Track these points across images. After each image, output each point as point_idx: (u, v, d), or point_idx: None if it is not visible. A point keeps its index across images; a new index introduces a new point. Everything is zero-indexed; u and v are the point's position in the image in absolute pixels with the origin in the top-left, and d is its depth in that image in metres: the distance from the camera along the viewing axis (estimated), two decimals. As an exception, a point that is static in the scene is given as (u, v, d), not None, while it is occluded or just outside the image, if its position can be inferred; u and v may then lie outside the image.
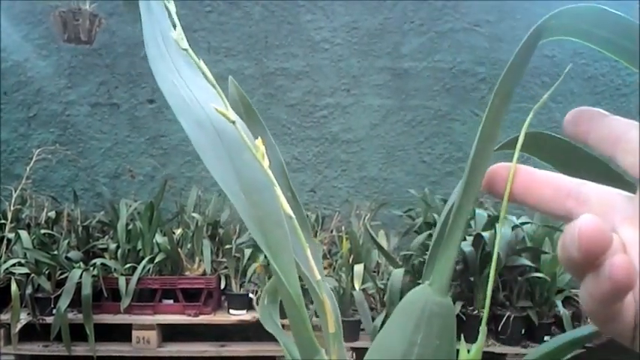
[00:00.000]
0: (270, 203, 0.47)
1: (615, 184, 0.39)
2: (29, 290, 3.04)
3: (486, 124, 0.45)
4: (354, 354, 2.98)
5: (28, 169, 3.48)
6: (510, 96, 0.45)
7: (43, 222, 3.43)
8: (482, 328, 0.42)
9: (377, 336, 0.45)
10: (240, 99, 0.53)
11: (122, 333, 3.18)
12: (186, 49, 0.47)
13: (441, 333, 0.43)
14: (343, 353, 0.48)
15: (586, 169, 0.49)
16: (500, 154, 0.52)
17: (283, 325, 0.60)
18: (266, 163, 0.44)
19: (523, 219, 3.10)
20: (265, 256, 2.89)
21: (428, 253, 0.50)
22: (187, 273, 3.26)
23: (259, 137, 0.45)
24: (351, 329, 2.99)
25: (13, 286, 2.97)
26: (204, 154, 0.44)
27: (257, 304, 3.25)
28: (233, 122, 0.45)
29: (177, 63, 0.51)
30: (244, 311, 3.23)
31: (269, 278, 3.21)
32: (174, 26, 0.47)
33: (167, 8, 0.49)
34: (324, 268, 3.19)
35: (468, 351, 0.43)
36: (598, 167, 0.48)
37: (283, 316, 0.61)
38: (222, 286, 3.28)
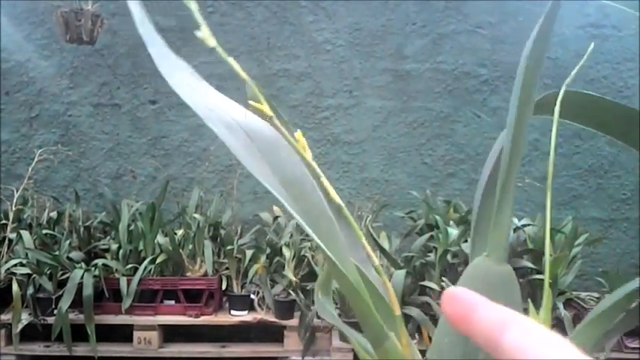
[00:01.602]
0: (313, 194, 0.47)
1: None
2: (30, 290, 3.04)
3: (523, 91, 0.46)
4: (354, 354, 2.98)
5: (29, 169, 3.49)
6: (542, 59, 0.48)
7: (44, 222, 3.43)
8: (546, 289, 0.42)
9: (441, 318, 0.46)
10: (259, 100, 0.53)
11: (123, 333, 3.19)
12: (214, 47, 0.48)
13: (506, 301, 0.40)
14: (407, 335, 0.47)
15: (624, 125, 0.49)
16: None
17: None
18: (309, 154, 0.44)
19: (524, 221, 3.10)
20: (267, 256, 2.90)
21: (471, 226, 0.49)
22: (189, 274, 3.26)
23: (298, 131, 0.45)
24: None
25: (15, 287, 2.98)
26: (239, 155, 0.44)
27: (258, 305, 3.25)
28: (270, 117, 0.45)
29: (188, 70, 0.50)
30: (245, 312, 3.23)
31: (270, 280, 3.22)
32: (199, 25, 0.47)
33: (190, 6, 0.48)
34: (326, 269, 3.19)
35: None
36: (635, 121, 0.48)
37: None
38: (224, 287, 3.28)
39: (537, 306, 2.33)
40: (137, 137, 3.95)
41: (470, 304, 0.35)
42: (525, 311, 0.42)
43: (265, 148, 0.45)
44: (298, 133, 0.44)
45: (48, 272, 3.10)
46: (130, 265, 3.20)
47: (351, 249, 0.48)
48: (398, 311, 0.47)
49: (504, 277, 0.43)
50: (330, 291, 0.55)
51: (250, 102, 0.45)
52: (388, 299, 0.48)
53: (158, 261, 3.19)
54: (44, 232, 3.28)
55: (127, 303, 3.10)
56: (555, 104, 0.47)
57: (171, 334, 3.32)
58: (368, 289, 0.48)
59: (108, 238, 3.45)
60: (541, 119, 3.98)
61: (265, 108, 0.45)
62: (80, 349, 3.09)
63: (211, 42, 0.46)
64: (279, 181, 0.44)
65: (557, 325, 3.06)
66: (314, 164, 0.45)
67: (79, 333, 3.05)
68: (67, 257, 3.16)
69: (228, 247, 3.26)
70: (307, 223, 0.44)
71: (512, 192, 0.45)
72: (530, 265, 2.90)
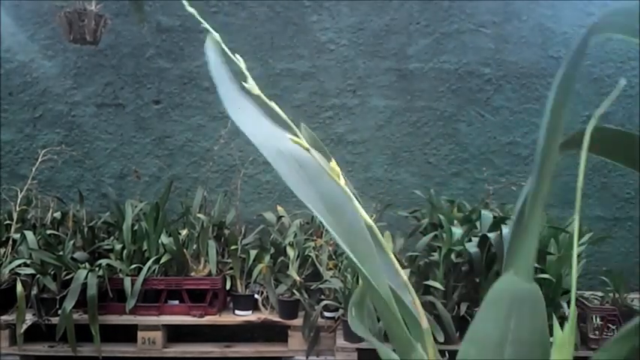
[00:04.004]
0: (351, 217, 0.51)
1: None
2: (35, 291, 3.05)
3: (552, 118, 0.52)
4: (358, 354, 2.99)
5: (33, 169, 3.49)
6: (571, 89, 0.51)
7: (48, 223, 3.44)
8: (572, 307, 0.48)
9: (469, 329, 0.48)
10: (312, 141, 0.57)
11: (127, 334, 3.19)
12: (258, 95, 0.53)
13: (533, 316, 0.47)
14: (434, 346, 0.50)
15: None
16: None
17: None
18: (342, 181, 0.50)
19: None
20: (271, 256, 2.90)
21: (508, 244, 0.53)
22: (193, 274, 3.27)
23: (332, 160, 0.51)
24: (357, 330, 2.99)
25: (19, 287, 2.98)
26: (289, 181, 0.47)
27: (262, 304, 3.25)
28: (308, 149, 0.50)
29: (248, 107, 0.55)
30: (249, 312, 3.23)
31: (274, 279, 3.22)
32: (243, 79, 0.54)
33: (238, 63, 0.56)
34: (330, 269, 3.19)
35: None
36: None
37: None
38: (228, 287, 3.28)
39: (545, 304, 2.34)
40: (141, 137, 3.95)
41: None
42: (550, 327, 0.44)
43: (312, 174, 0.49)
44: (333, 162, 0.50)
45: (52, 272, 3.10)
46: (134, 265, 3.20)
47: (387, 266, 0.52)
48: (426, 325, 0.50)
49: (531, 294, 0.47)
50: (364, 309, 0.58)
51: (290, 137, 0.50)
52: (416, 314, 0.51)
53: (162, 261, 3.20)
54: (48, 232, 3.28)
55: (131, 303, 3.11)
56: (583, 141, 0.51)
57: (176, 334, 3.32)
58: (397, 304, 0.51)
59: (112, 238, 3.45)
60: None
61: (303, 142, 0.50)
62: (84, 350, 3.09)
63: (255, 90, 0.53)
64: (324, 206, 0.47)
65: (561, 324, 3.05)
66: (348, 190, 0.50)
67: (83, 333, 3.05)
68: (71, 257, 3.16)
69: (232, 247, 3.27)
70: (347, 243, 0.46)
71: (538, 215, 0.48)
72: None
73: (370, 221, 0.48)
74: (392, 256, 0.48)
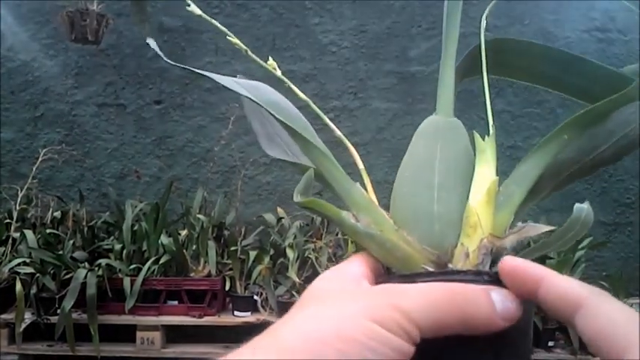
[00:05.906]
0: (285, 105, 0.64)
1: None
2: (34, 290, 3.04)
3: (446, 35, 0.64)
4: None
5: (34, 168, 3.49)
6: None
7: (48, 222, 3.44)
8: (489, 115, 0.57)
9: (402, 161, 0.58)
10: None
11: (126, 334, 3.18)
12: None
13: (455, 137, 0.55)
14: (370, 184, 0.59)
15: (558, 77, 0.61)
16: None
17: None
18: (279, 72, 0.62)
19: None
20: (271, 258, 2.90)
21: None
22: (192, 274, 3.26)
23: (270, 58, 0.62)
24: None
25: (18, 286, 2.98)
26: (231, 86, 0.59)
27: (262, 306, 3.25)
28: (246, 51, 0.63)
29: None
30: (249, 313, 3.23)
31: (274, 281, 3.22)
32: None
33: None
34: (329, 271, 3.19)
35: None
36: (577, 69, 0.59)
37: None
38: (227, 288, 3.28)
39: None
40: (142, 137, 3.95)
41: (533, 278, 0.40)
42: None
43: (248, 87, 0.61)
44: (270, 61, 0.61)
45: (51, 272, 3.10)
46: (133, 266, 3.20)
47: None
48: (361, 165, 0.61)
49: (452, 125, 0.55)
50: (310, 196, 0.63)
51: (228, 37, 0.62)
52: (352, 158, 0.62)
53: (162, 261, 3.19)
54: (48, 231, 3.28)
55: (130, 303, 3.10)
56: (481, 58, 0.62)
57: (175, 334, 3.31)
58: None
59: (112, 238, 3.45)
60: (547, 123, 3.95)
61: (238, 41, 0.64)
62: (83, 349, 3.09)
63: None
64: (266, 104, 0.58)
65: (561, 329, 3.06)
66: (284, 78, 0.62)
67: (82, 333, 3.05)
68: (71, 257, 3.16)
69: (232, 248, 3.27)
70: (288, 124, 0.56)
71: (452, 55, 0.61)
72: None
73: (304, 96, 0.60)
74: (323, 116, 0.59)
